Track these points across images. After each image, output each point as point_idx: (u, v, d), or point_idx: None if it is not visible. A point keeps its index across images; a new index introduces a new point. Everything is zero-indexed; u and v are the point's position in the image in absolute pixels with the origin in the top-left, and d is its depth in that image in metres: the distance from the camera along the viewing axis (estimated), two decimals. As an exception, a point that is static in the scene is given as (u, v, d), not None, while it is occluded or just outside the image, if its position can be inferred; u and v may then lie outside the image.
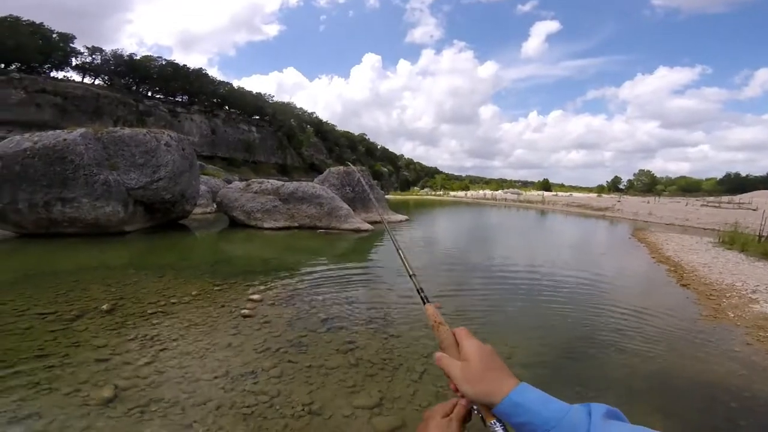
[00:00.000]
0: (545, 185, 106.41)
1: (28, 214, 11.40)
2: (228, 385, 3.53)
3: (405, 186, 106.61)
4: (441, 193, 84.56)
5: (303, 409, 3.22)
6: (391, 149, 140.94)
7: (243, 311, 5.44)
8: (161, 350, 4.18)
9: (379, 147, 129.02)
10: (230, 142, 72.56)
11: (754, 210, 27.46)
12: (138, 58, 65.13)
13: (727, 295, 6.99)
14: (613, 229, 21.15)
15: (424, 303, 0.76)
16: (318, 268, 8.66)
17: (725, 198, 54.18)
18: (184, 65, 70.06)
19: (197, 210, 18.49)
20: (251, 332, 4.78)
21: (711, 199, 53.98)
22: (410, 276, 0.87)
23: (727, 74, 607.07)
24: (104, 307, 5.39)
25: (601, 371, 4.14)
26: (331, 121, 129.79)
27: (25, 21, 51.42)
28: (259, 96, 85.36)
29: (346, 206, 16.69)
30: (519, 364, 4.17)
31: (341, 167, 21.45)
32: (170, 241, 12.24)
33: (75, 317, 5.04)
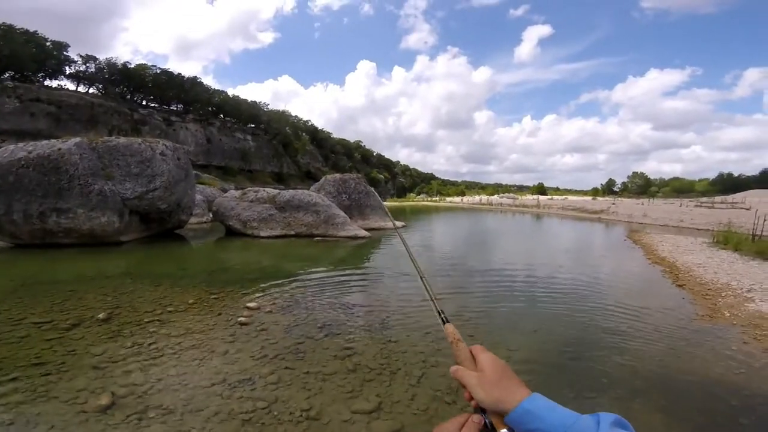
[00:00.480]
0: (540, 189, 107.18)
1: (23, 224, 11.34)
2: (225, 392, 3.51)
3: (401, 192, 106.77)
4: (437, 198, 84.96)
5: (301, 415, 3.21)
6: (387, 156, 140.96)
7: (240, 319, 5.42)
8: (158, 358, 4.16)
9: (375, 154, 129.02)
10: (226, 150, 72.42)
11: (747, 209, 27.70)
12: (132, 66, 65.06)
13: (723, 294, 7.03)
14: (609, 232, 21.27)
15: (444, 323, 0.81)
16: (315, 276, 8.65)
17: (718, 198, 54.77)
18: (179, 74, 70.03)
19: (193, 219, 18.44)
20: (248, 339, 4.76)
21: (704, 199, 54.56)
22: (428, 293, 0.91)
23: (717, 75, 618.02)
24: (101, 315, 5.36)
25: (601, 371, 4.14)
26: (327, 129, 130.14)
27: (19, 29, 51.11)
28: (254, 104, 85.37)
29: (342, 214, 16.70)
30: (519, 364, 4.16)
31: (337, 175, 21.53)
32: (166, 251, 12.19)
33: (71, 326, 5.01)
